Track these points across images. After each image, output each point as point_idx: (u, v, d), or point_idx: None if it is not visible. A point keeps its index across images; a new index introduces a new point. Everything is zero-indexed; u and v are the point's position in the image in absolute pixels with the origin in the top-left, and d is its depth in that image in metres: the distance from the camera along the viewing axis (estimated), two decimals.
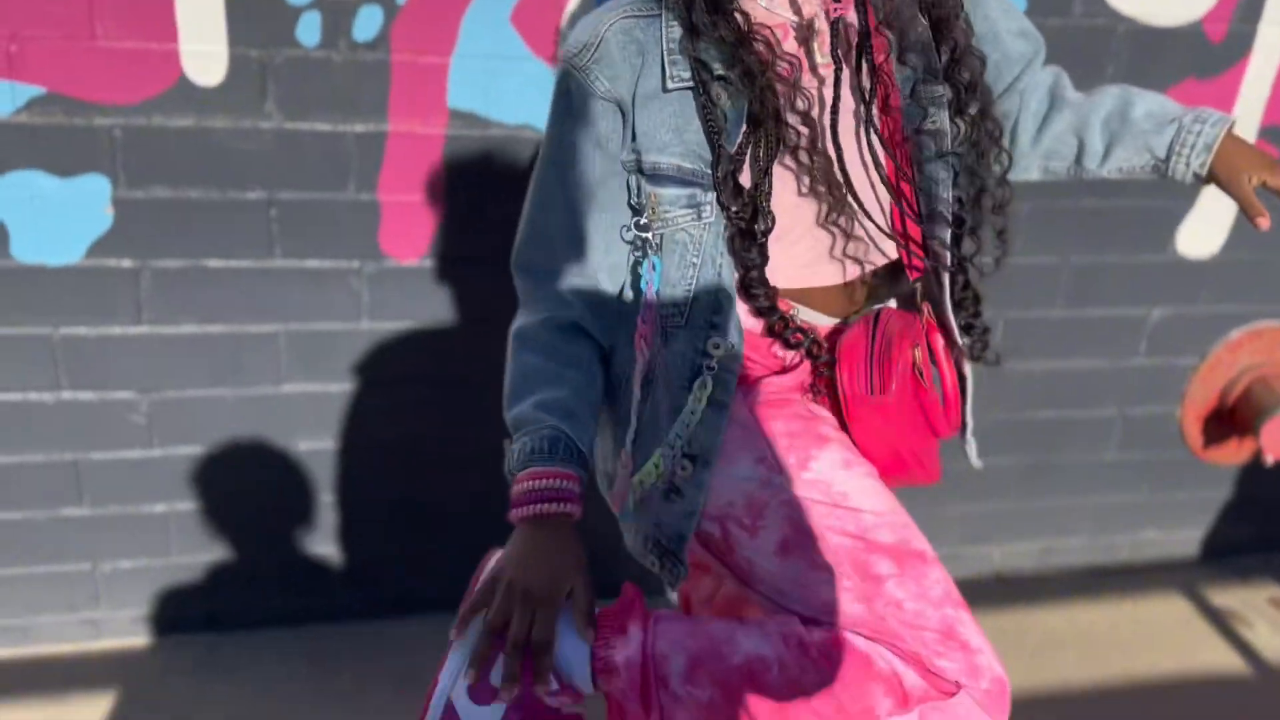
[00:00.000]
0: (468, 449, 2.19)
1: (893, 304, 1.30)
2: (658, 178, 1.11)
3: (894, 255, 1.23)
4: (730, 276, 1.15)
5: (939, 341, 1.22)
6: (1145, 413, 2.55)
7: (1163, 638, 2.43)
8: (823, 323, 1.24)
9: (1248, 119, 2.29)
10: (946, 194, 1.18)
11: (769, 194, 1.11)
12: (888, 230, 1.19)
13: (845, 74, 1.13)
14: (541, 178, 1.18)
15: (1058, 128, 1.29)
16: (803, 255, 1.17)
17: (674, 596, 1.23)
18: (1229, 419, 2.55)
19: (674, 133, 1.10)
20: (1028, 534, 2.62)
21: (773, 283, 1.15)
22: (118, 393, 2.00)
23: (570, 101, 1.13)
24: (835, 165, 1.13)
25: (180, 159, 1.85)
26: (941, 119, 1.16)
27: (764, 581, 1.16)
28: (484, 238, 2.02)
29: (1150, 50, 2.18)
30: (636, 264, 1.17)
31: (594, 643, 1.10)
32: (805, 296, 1.21)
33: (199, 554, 2.17)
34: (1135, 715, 2.17)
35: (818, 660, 1.08)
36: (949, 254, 1.20)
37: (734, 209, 1.10)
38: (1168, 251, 2.39)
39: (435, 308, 2.07)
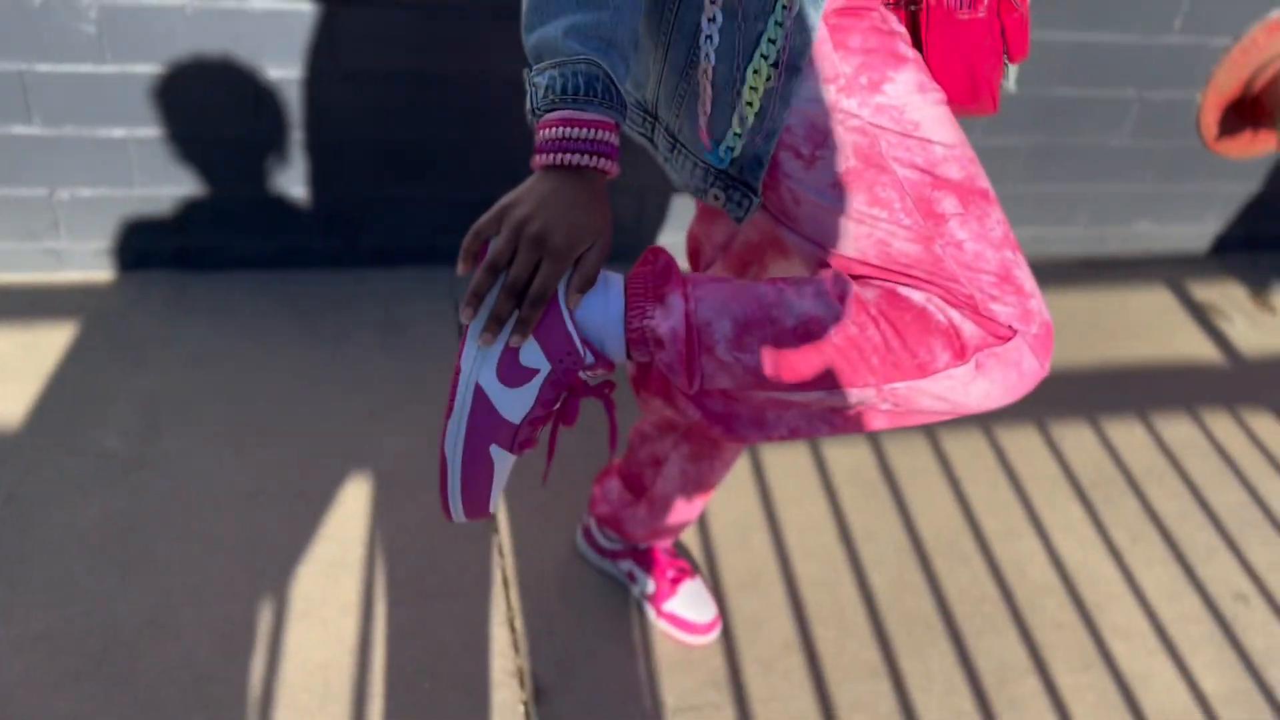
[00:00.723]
0: (454, 87, 2.02)
1: None
2: None
3: None
4: None
5: None
6: (1165, 97, 2.43)
7: (1143, 327, 2.45)
8: None
9: None
10: None
11: None
12: None
13: None
14: None
15: None
16: None
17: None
18: (1250, 108, 2.45)
19: None
20: (1025, 220, 2.56)
21: None
22: None
23: None
24: None
25: None
26: None
27: (809, 220, 1.06)
28: None
29: None
30: None
31: (626, 312, 1.02)
32: None
33: (164, 186, 2.03)
34: (1111, 394, 2.21)
35: (876, 319, 1.02)
36: None
37: None
38: None
39: None
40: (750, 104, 1.02)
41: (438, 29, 1.95)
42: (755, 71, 1.00)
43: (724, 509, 1.80)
